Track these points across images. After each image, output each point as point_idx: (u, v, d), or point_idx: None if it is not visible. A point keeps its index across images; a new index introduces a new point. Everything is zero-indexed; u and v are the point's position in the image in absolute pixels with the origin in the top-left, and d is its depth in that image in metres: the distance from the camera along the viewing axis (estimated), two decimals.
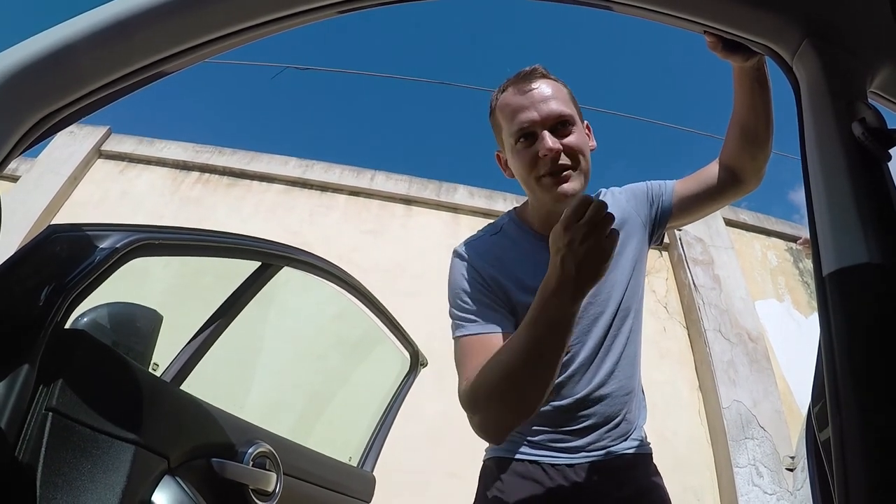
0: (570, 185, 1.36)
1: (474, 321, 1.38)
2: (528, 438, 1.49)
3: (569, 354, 1.45)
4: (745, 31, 1.12)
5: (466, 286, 1.44)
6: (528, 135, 1.39)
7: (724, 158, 1.54)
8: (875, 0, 0.92)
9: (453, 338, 1.41)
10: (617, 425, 1.49)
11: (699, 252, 6.43)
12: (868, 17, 1.04)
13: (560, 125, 1.39)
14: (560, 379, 1.44)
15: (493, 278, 1.44)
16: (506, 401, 1.19)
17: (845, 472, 0.72)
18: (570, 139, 1.38)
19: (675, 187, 1.60)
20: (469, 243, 1.54)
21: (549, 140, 1.36)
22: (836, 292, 0.84)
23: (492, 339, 1.33)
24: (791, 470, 4.99)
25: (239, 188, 6.43)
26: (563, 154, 1.36)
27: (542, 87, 1.42)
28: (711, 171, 1.57)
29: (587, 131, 1.49)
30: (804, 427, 0.93)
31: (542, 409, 1.45)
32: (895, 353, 0.72)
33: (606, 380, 1.47)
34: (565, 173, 1.36)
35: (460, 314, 1.42)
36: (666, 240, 6.54)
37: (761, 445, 5.09)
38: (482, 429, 1.27)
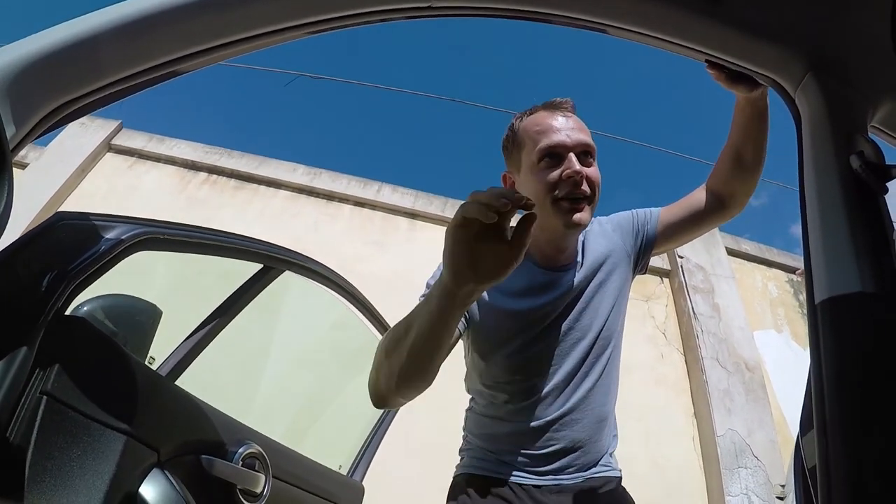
0: (584, 216, 1.38)
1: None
2: (499, 457, 1.51)
3: (544, 376, 1.48)
4: (749, 62, 1.13)
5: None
6: (554, 155, 1.41)
7: (712, 184, 1.57)
8: (879, 35, 0.94)
9: None
10: (587, 451, 1.50)
11: (700, 280, 6.43)
12: (872, 52, 1.05)
13: (585, 154, 1.42)
14: (533, 399, 1.48)
15: None
16: (387, 362, 1.22)
17: (830, 500, 0.72)
18: (591, 171, 1.41)
19: (660, 215, 1.63)
20: None
21: (577, 163, 1.38)
22: (828, 320, 0.84)
23: None
24: (781, 499, 4.97)
25: (246, 192, 6.45)
26: (584, 181, 1.38)
27: (574, 118, 1.47)
28: (698, 197, 1.59)
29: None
30: (793, 455, 0.94)
31: (514, 428, 1.50)
32: (883, 382, 0.73)
33: (579, 405, 1.49)
34: (581, 203, 1.38)
35: (426, 289, 1.47)
36: (667, 266, 6.61)
37: (755, 475, 5.07)
38: (370, 384, 1.30)
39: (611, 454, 1.58)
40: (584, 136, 1.43)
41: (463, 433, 1.68)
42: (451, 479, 1.61)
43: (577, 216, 1.37)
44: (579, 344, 1.50)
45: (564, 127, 1.43)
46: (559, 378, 1.48)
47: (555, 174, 1.39)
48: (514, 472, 1.48)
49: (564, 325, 1.50)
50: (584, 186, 1.38)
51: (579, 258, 1.55)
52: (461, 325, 1.43)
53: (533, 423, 1.47)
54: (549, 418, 1.47)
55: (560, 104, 1.49)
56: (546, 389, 1.47)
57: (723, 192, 1.54)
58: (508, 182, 1.54)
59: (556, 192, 1.38)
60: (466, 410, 1.69)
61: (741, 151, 1.47)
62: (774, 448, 5.30)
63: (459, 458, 1.65)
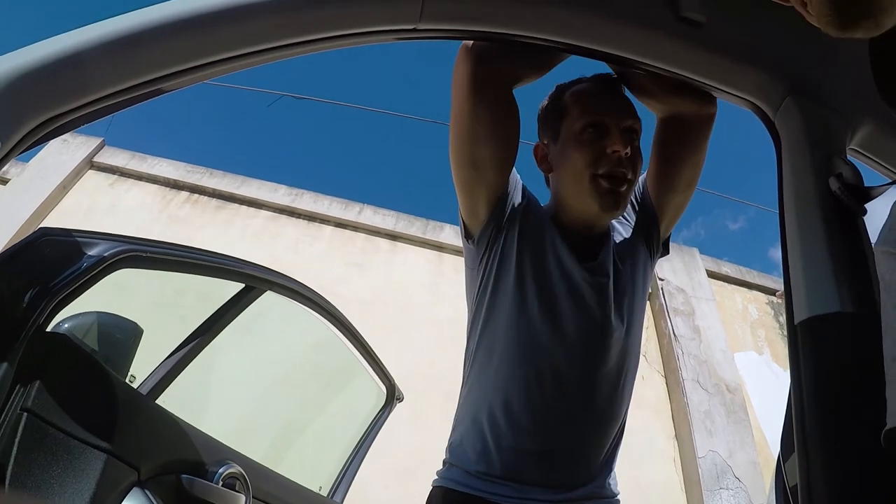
0: (622, 205, 1.31)
1: None
2: (483, 473, 1.32)
3: (554, 359, 1.31)
4: (729, 86, 1.16)
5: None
6: (600, 127, 1.30)
7: (659, 110, 1.42)
8: (857, 60, 0.96)
9: None
10: (583, 464, 1.35)
11: (680, 302, 6.47)
12: (850, 76, 1.08)
13: (633, 133, 1.33)
14: (537, 381, 1.31)
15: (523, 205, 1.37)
16: None
17: None
18: (635, 153, 1.32)
19: (645, 179, 1.50)
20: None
21: (623, 140, 1.29)
22: (808, 340, 0.86)
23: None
24: None
25: (227, 211, 6.43)
26: (627, 161, 1.29)
27: (624, 96, 1.38)
28: (660, 134, 1.42)
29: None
30: (774, 474, 0.95)
31: (505, 447, 1.31)
32: (863, 402, 0.74)
33: (587, 402, 1.33)
34: (622, 188, 1.29)
35: None
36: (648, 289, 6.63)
37: (736, 496, 5.08)
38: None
39: (612, 475, 1.42)
40: (633, 114, 1.34)
41: (452, 425, 1.48)
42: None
43: (615, 198, 1.28)
44: (605, 334, 1.34)
45: (616, 101, 1.35)
46: (573, 361, 1.31)
47: (598, 147, 1.29)
48: (496, 490, 1.30)
49: (590, 315, 1.33)
50: (626, 166, 1.29)
51: (609, 240, 1.41)
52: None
53: (527, 447, 1.31)
54: (549, 406, 1.31)
55: (612, 79, 1.38)
56: (553, 373, 1.31)
57: (672, 111, 1.38)
58: (541, 153, 1.43)
59: (598, 167, 1.28)
60: (460, 393, 1.48)
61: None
62: (756, 469, 5.32)
63: (442, 460, 1.46)
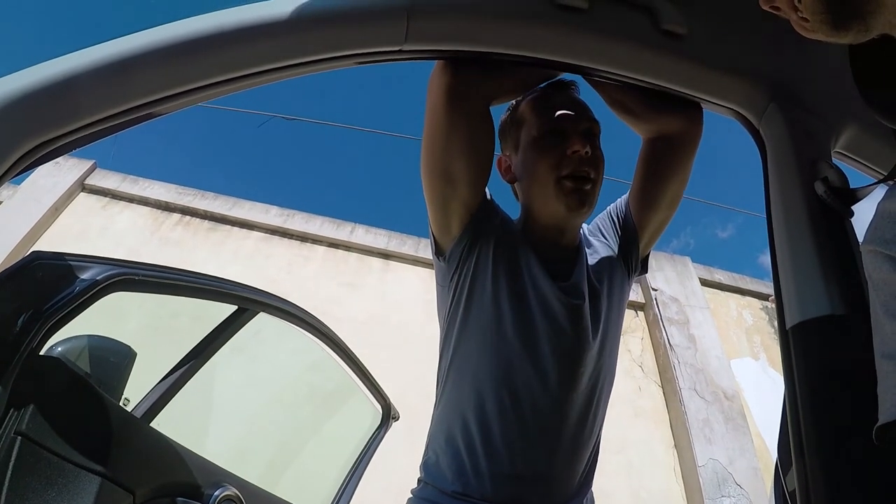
0: (589, 203, 1.30)
1: None
2: (460, 494, 1.30)
3: (529, 375, 1.30)
4: (712, 95, 1.17)
5: None
6: (557, 133, 1.31)
7: (644, 130, 1.41)
8: (839, 65, 0.97)
9: None
10: (558, 485, 1.32)
11: (675, 312, 6.48)
12: (832, 79, 1.09)
13: (591, 135, 1.34)
14: (510, 401, 1.30)
15: (497, 221, 1.36)
16: None
17: None
18: (595, 152, 1.32)
19: (628, 195, 1.49)
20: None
21: (582, 140, 1.29)
22: (800, 345, 0.87)
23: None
24: None
25: (219, 233, 6.42)
26: (589, 160, 1.30)
27: (579, 100, 1.39)
28: (646, 151, 1.41)
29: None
30: (773, 479, 0.95)
31: (482, 470, 1.29)
32: (857, 403, 0.74)
33: (560, 422, 1.31)
34: (587, 187, 1.29)
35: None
36: (641, 300, 6.65)
37: (738, 503, 5.06)
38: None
39: (589, 496, 1.41)
40: (590, 115, 1.35)
41: (426, 443, 1.46)
42: None
43: (581, 197, 1.29)
44: (579, 349, 1.32)
45: (573, 104, 1.35)
46: (547, 383, 1.29)
47: (558, 152, 1.29)
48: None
49: (563, 331, 1.31)
50: (589, 166, 1.29)
51: (581, 257, 1.41)
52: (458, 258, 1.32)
53: (504, 431, 1.29)
54: (525, 428, 1.29)
55: (566, 84, 1.39)
56: (528, 394, 1.29)
57: (657, 132, 1.38)
58: (504, 164, 1.44)
59: (561, 170, 1.29)
60: (434, 411, 1.46)
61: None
62: (757, 475, 5.31)
63: (417, 479, 1.44)
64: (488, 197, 1.36)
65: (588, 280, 1.38)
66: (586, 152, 1.28)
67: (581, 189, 1.29)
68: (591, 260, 1.43)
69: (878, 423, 0.62)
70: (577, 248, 1.42)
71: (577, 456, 1.34)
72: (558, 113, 1.33)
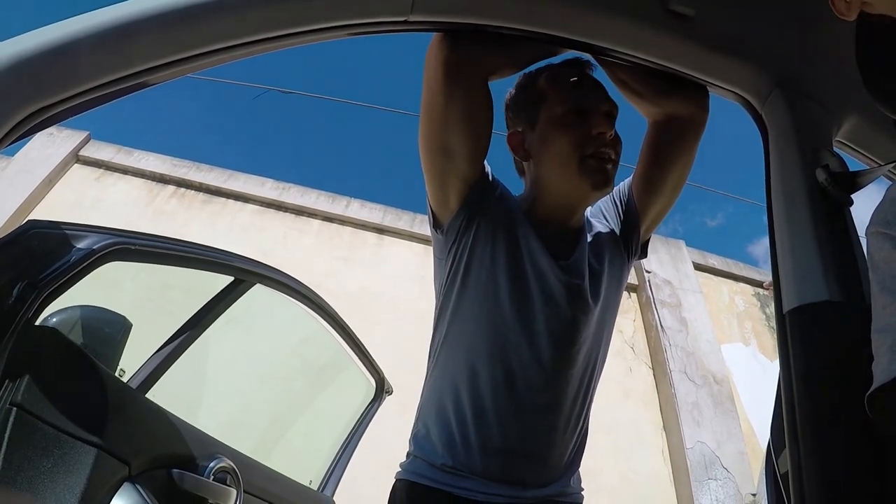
0: (611, 183, 1.30)
1: None
2: (449, 467, 1.29)
3: (523, 353, 1.30)
4: (716, 78, 1.16)
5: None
6: (583, 111, 1.30)
7: (650, 113, 1.39)
8: (843, 53, 0.97)
9: None
10: (549, 464, 1.33)
11: (667, 295, 6.51)
12: (836, 70, 1.09)
13: (612, 117, 1.33)
14: (503, 378, 1.29)
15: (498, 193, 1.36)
16: None
17: None
18: (616, 135, 1.32)
19: (632, 179, 1.48)
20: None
21: (607, 121, 1.29)
22: (797, 329, 0.87)
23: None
24: None
25: (214, 205, 6.39)
26: (612, 143, 1.30)
27: (599, 83, 1.37)
28: (650, 136, 1.40)
29: None
30: (764, 462, 0.96)
31: (473, 443, 1.29)
32: (852, 388, 0.75)
33: (553, 403, 1.32)
34: (609, 166, 1.29)
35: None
36: (635, 281, 6.67)
37: (724, 486, 5.13)
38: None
39: (576, 475, 1.41)
40: (610, 99, 1.34)
41: (416, 417, 1.45)
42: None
43: (605, 177, 1.28)
44: (572, 328, 1.32)
45: (593, 85, 1.35)
46: (542, 361, 1.29)
47: (583, 130, 1.28)
48: (462, 484, 1.27)
49: (559, 305, 1.31)
50: (611, 148, 1.29)
51: (583, 238, 1.41)
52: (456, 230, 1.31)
53: (497, 407, 1.29)
54: (518, 405, 1.29)
55: (586, 63, 1.37)
56: (522, 372, 1.29)
57: (664, 115, 1.36)
58: (516, 140, 1.41)
59: (585, 148, 1.27)
60: (424, 384, 1.45)
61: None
62: (743, 459, 5.37)
63: (406, 452, 1.42)
64: (487, 171, 1.34)
65: (588, 261, 1.37)
66: (610, 135, 1.28)
67: (605, 168, 1.28)
68: (592, 241, 1.42)
69: (869, 391, 0.62)
70: (580, 229, 1.41)
71: (568, 435, 1.35)
72: (583, 91, 1.33)
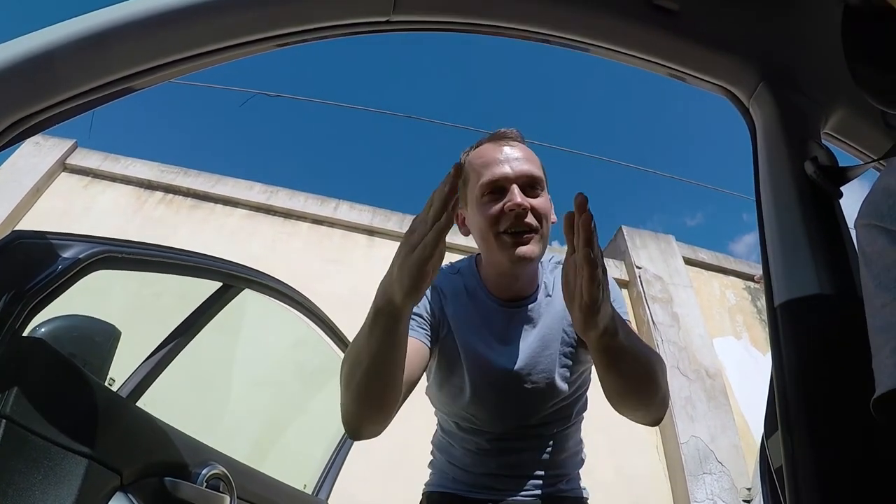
0: (529, 249, 1.32)
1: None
2: (469, 473, 1.52)
3: (492, 414, 1.45)
4: (703, 72, 1.16)
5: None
6: (497, 189, 1.35)
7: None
8: (830, 45, 0.97)
9: None
10: (544, 473, 1.50)
11: (658, 290, 6.53)
12: (823, 61, 1.09)
13: (530, 186, 1.36)
14: (482, 437, 1.48)
15: (438, 307, 1.43)
16: (347, 388, 1.18)
17: (798, 499, 0.74)
18: (537, 201, 1.35)
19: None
20: None
21: (519, 195, 1.32)
22: (788, 322, 0.87)
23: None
24: (748, 501, 5.06)
25: (202, 210, 6.36)
26: (529, 213, 1.32)
27: (518, 148, 1.41)
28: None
29: (550, 204, 1.43)
30: (759, 456, 0.96)
31: (464, 452, 1.52)
32: (844, 381, 0.75)
33: (530, 445, 1.49)
34: (527, 235, 1.32)
35: None
36: (625, 277, 6.70)
37: (719, 480, 5.15)
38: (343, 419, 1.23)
39: (575, 475, 1.58)
40: (528, 166, 1.38)
41: (431, 447, 1.69)
42: (417, 497, 1.63)
43: (520, 249, 1.31)
44: (536, 386, 1.42)
45: (508, 158, 1.38)
46: (510, 419, 1.45)
47: (497, 207, 1.33)
48: (483, 492, 1.48)
49: (522, 365, 1.42)
50: (529, 219, 1.32)
51: (542, 292, 1.48)
52: (427, 342, 1.37)
53: (480, 453, 1.49)
54: (494, 455, 1.48)
55: (504, 134, 1.44)
56: (495, 430, 1.47)
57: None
58: (460, 219, 1.47)
59: (499, 225, 1.33)
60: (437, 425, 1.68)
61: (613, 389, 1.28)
62: (738, 453, 5.40)
63: (428, 473, 1.66)
64: (425, 303, 1.42)
65: (540, 329, 1.46)
66: (523, 208, 1.32)
67: (519, 242, 1.32)
68: (550, 307, 1.48)
69: (875, 395, 0.62)
70: (533, 294, 1.49)
71: (556, 464, 1.52)
72: (494, 169, 1.37)
